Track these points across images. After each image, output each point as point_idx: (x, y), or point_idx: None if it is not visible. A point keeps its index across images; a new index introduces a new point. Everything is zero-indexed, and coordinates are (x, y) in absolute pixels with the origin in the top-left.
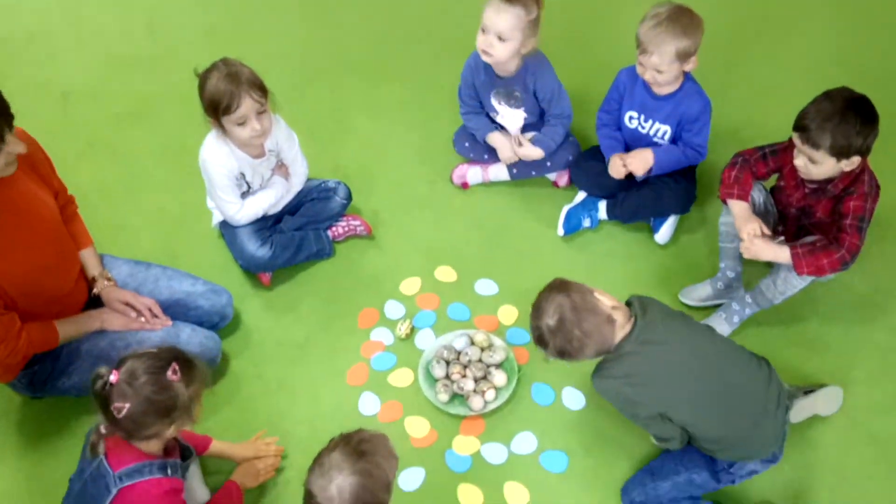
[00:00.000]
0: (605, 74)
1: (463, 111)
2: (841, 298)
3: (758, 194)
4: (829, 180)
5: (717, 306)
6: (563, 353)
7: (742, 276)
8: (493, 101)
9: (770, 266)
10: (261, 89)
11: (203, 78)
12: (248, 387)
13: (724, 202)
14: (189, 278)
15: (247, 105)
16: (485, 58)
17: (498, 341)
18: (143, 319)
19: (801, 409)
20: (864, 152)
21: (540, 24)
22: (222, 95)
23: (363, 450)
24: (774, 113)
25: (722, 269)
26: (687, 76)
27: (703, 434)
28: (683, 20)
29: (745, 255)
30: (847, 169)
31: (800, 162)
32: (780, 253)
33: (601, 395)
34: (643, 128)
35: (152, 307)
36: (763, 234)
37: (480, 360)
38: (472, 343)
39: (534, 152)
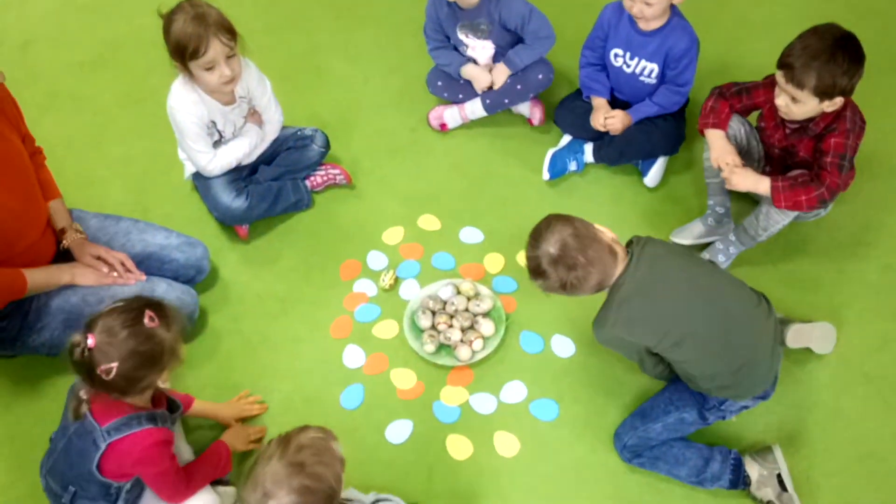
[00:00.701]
0: (584, 12)
1: (431, 47)
2: (832, 237)
3: (738, 126)
4: (810, 119)
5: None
6: (564, 285)
7: (731, 211)
8: (460, 35)
9: (756, 202)
10: (229, 32)
11: (167, 20)
12: (228, 343)
13: (702, 133)
14: (162, 231)
15: (215, 49)
16: (462, 3)
17: (484, 290)
18: (115, 274)
19: (798, 334)
20: (847, 93)
21: None
22: (189, 39)
23: (300, 461)
24: (764, 51)
25: (710, 206)
26: (674, 10)
27: (701, 370)
28: None
29: (727, 187)
30: (829, 110)
31: (781, 101)
32: (760, 183)
33: (604, 345)
34: (628, 66)
35: (125, 261)
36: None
37: (467, 310)
38: (458, 292)
39: (502, 76)
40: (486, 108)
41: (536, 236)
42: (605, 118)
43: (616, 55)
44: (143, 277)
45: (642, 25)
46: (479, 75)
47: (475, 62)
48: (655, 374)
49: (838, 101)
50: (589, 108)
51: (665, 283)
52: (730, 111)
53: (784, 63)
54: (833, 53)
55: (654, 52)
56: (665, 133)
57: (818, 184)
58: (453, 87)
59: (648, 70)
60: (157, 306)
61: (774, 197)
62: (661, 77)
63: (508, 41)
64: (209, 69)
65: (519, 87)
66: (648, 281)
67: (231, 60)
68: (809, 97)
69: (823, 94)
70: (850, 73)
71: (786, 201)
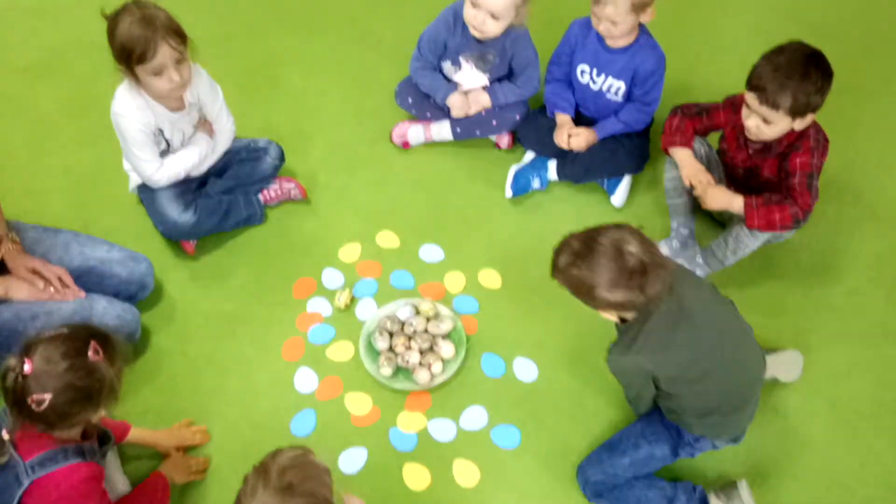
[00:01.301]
0: (554, 31)
1: (418, 66)
2: (797, 261)
3: (699, 146)
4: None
5: None
6: (579, 285)
7: (695, 232)
8: (462, 59)
9: (722, 226)
10: (179, 35)
11: (112, 22)
12: (171, 365)
13: (667, 152)
14: (104, 244)
15: (164, 53)
16: (474, 33)
17: (445, 310)
18: (52, 289)
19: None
20: (817, 109)
21: None
22: (136, 42)
23: (288, 483)
24: (725, 71)
25: (674, 228)
26: (642, 28)
27: (699, 407)
28: None
29: (703, 206)
30: (799, 128)
31: (752, 122)
32: (734, 201)
33: (617, 374)
34: (595, 82)
35: (62, 276)
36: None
37: (426, 331)
38: (417, 313)
39: (483, 97)
40: (455, 135)
41: (604, 228)
42: (569, 135)
43: (582, 71)
44: (82, 294)
45: (610, 43)
46: (462, 104)
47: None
48: (642, 410)
49: (809, 119)
50: (552, 125)
51: (697, 316)
52: (693, 131)
53: (756, 85)
54: (805, 72)
55: (621, 70)
56: (630, 151)
57: (791, 202)
58: (423, 105)
59: (615, 88)
60: (104, 338)
61: (748, 214)
62: (628, 95)
63: (502, 78)
64: (157, 74)
65: (494, 122)
66: (681, 312)
67: (181, 65)
68: (783, 117)
69: (797, 113)
70: (823, 90)
71: (759, 219)
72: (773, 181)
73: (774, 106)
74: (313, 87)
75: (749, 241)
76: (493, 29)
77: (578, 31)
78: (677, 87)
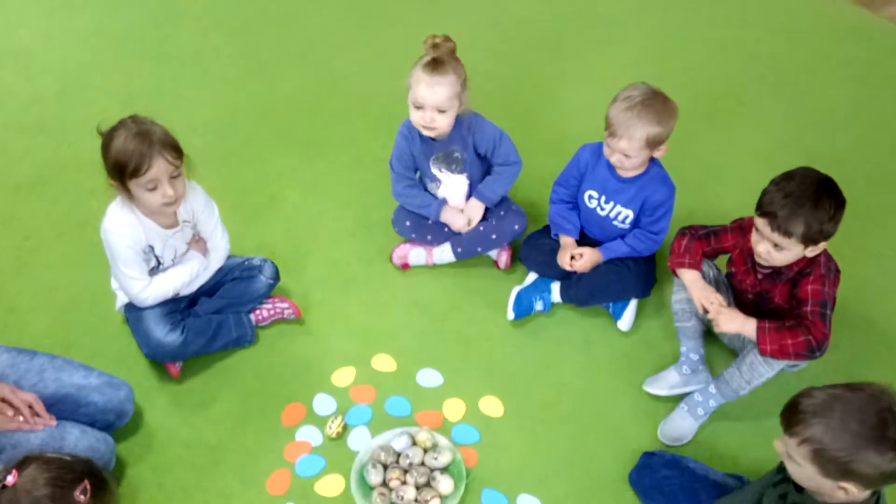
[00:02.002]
0: (551, 152)
1: (400, 188)
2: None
3: (707, 269)
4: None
5: (684, 395)
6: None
7: (705, 357)
8: (434, 170)
9: (734, 354)
10: (175, 149)
11: (108, 137)
12: (146, 499)
13: (675, 273)
14: (82, 369)
15: (158, 167)
16: (427, 133)
17: (443, 441)
18: (20, 419)
19: None
20: (830, 237)
21: (468, 81)
22: (130, 155)
23: None
24: (728, 194)
25: (684, 353)
26: (653, 160)
27: None
28: (657, 106)
29: (717, 329)
30: (811, 255)
31: (762, 248)
32: (746, 324)
33: None
34: (602, 209)
35: (33, 404)
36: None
37: (423, 464)
38: (414, 443)
39: (477, 211)
40: (456, 255)
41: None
42: (573, 257)
43: (591, 197)
44: (53, 423)
45: (621, 173)
46: (456, 218)
47: (444, 200)
48: None
49: (822, 246)
50: (556, 246)
51: None
52: (702, 253)
53: (767, 212)
54: (818, 199)
55: (630, 199)
56: (637, 275)
57: (804, 330)
58: (422, 229)
59: (623, 216)
60: (101, 483)
61: (760, 339)
62: (636, 222)
63: (480, 173)
64: (151, 189)
65: (494, 236)
66: None
67: (175, 180)
68: (795, 244)
69: (809, 240)
70: (837, 217)
71: (771, 344)
72: (785, 308)
73: (787, 234)
74: (311, 206)
75: (763, 370)
76: (443, 123)
77: (590, 157)
78: (682, 212)
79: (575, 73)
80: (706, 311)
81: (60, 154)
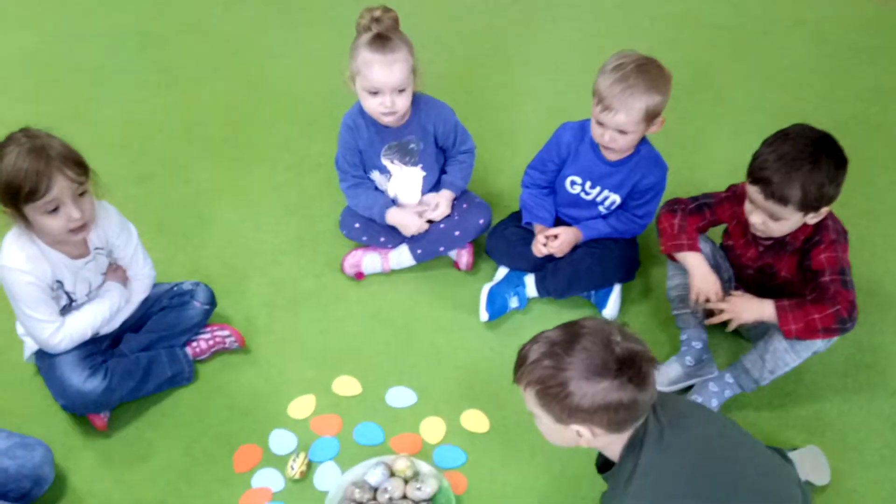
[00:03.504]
0: (501, 141)
1: (347, 185)
2: (828, 363)
3: (704, 245)
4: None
5: (688, 388)
6: (551, 381)
7: (709, 344)
8: (385, 162)
9: (741, 335)
10: (78, 164)
11: None
12: None
13: (671, 258)
14: None
15: (59, 186)
16: (388, 120)
17: (425, 467)
18: None
19: None
20: (833, 201)
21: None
22: (24, 176)
23: None
24: (701, 166)
25: (685, 342)
26: (643, 140)
27: None
28: (653, 72)
29: (731, 327)
30: (812, 222)
31: (756, 219)
32: (764, 308)
33: None
34: (588, 194)
35: None
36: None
37: (405, 497)
38: (392, 474)
39: (445, 200)
40: (415, 257)
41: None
42: (546, 238)
43: (573, 182)
44: None
45: (609, 156)
46: (409, 220)
47: (394, 203)
48: None
49: (823, 212)
50: (526, 235)
51: (702, 441)
52: (696, 230)
53: (759, 178)
54: (815, 160)
55: (619, 184)
56: (620, 257)
57: (830, 302)
58: (373, 230)
59: (610, 201)
60: None
61: (782, 320)
62: (620, 205)
63: (435, 164)
64: (52, 211)
65: (457, 233)
66: (683, 438)
67: (81, 200)
68: (793, 213)
69: (808, 207)
70: (838, 179)
71: (795, 323)
72: (793, 282)
73: (782, 200)
74: (246, 221)
75: (790, 358)
76: (404, 104)
77: (571, 139)
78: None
79: (518, 55)
80: (707, 301)
81: None
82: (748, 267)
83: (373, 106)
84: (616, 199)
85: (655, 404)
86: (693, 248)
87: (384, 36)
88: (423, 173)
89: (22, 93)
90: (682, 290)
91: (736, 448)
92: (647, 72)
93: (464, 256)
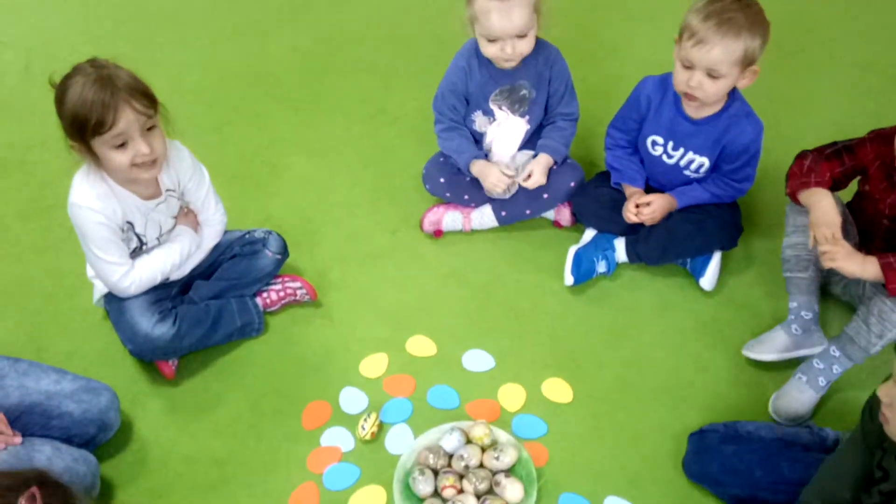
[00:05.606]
0: (611, 90)
1: (441, 128)
2: None
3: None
4: None
5: (793, 362)
6: None
7: (819, 317)
8: (493, 106)
9: (854, 308)
10: (146, 96)
11: (61, 87)
12: None
13: (795, 199)
14: (52, 373)
15: (127, 118)
16: (509, 65)
17: (504, 436)
18: None
19: None
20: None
21: None
22: (90, 107)
23: None
24: (809, 128)
25: (793, 309)
26: (734, 95)
27: None
28: (755, 8)
29: (827, 265)
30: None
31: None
32: (866, 265)
33: None
34: (670, 156)
35: None
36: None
37: (482, 466)
38: (469, 441)
39: (542, 167)
40: (499, 219)
41: None
42: (638, 206)
43: (654, 143)
44: (17, 440)
45: (692, 113)
46: (497, 177)
47: (486, 158)
48: None
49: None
50: (617, 196)
51: None
52: (831, 177)
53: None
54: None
55: (706, 145)
56: (721, 223)
57: None
58: (459, 186)
59: (697, 164)
60: (54, 488)
61: (888, 277)
62: (713, 169)
63: (538, 123)
64: (120, 146)
65: (546, 196)
66: None
67: (150, 134)
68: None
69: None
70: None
71: None
72: None
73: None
74: (320, 172)
75: None
76: (527, 48)
77: (652, 93)
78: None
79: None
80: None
81: (25, 134)
82: (884, 217)
83: (492, 52)
84: (704, 161)
85: None
86: (821, 185)
87: None
88: (528, 127)
89: (99, 34)
90: (799, 249)
91: None
92: (748, 7)
93: (565, 214)
